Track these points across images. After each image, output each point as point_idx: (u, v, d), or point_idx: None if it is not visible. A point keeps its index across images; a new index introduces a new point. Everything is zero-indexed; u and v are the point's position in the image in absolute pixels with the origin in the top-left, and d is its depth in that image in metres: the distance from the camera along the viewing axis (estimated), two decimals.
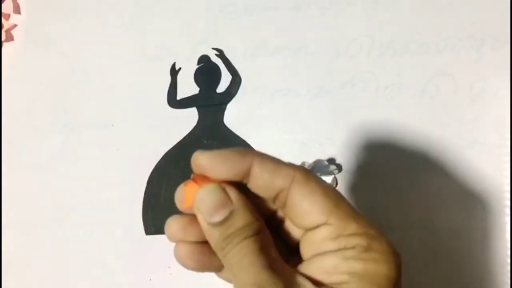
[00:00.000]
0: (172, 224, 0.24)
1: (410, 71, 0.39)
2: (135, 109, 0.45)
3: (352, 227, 0.21)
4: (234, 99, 0.43)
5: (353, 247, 0.21)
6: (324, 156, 0.40)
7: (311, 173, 0.23)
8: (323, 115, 0.41)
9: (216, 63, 0.44)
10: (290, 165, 0.23)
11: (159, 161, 0.44)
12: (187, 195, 0.23)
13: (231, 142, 0.43)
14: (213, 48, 0.44)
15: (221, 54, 0.44)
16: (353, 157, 0.40)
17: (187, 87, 0.44)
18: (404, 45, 0.40)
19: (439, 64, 0.39)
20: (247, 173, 0.22)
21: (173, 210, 0.43)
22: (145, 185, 0.44)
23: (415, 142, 0.39)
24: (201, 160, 0.23)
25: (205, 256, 0.24)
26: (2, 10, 0.48)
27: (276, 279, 0.21)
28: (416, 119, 0.39)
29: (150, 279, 0.42)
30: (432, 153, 0.38)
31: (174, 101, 0.44)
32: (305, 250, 0.23)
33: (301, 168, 0.23)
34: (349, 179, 0.40)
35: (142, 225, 0.43)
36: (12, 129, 0.47)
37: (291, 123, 0.41)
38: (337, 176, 0.39)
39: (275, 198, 0.23)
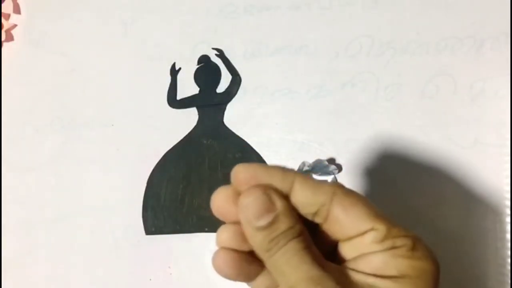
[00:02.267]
0: (223, 232, 0.25)
1: (410, 71, 0.39)
2: (135, 109, 0.45)
3: (395, 230, 0.23)
4: (234, 99, 0.43)
5: (400, 247, 0.23)
6: (324, 156, 0.40)
7: (348, 188, 0.24)
8: (323, 115, 0.41)
9: (216, 63, 0.44)
10: (329, 183, 0.24)
11: (159, 161, 0.44)
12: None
13: (231, 142, 0.43)
14: (213, 48, 0.44)
15: (221, 54, 0.44)
16: (353, 157, 0.40)
17: (187, 87, 0.44)
18: (404, 45, 0.40)
19: (439, 64, 0.39)
20: (289, 190, 0.24)
21: (173, 210, 0.43)
22: (145, 185, 0.44)
23: (415, 142, 0.39)
24: (245, 173, 0.24)
25: (243, 264, 0.25)
26: (2, 10, 0.48)
27: (327, 273, 0.22)
28: (416, 119, 0.39)
29: (150, 279, 0.42)
30: (432, 153, 0.38)
31: (174, 101, 0.44)
32: (348, 253, 0.24)
33: (340, 184, 0.24)
34: (349, 179, 0.40)
35: (142, 225, 0.43)
36: (12, 129, 0.47)
37: (291, 123, 0.41)
38: (337, 176, 0.39)
39: (315, 214, 0.24)
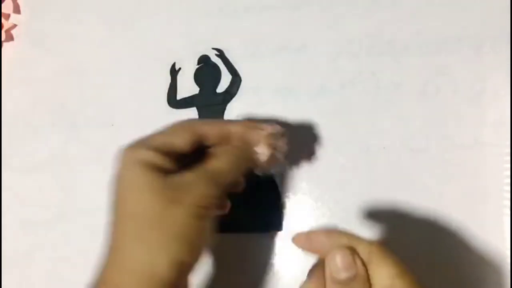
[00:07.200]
0: None
1: (410, 71, 0.39)
2: (135, 109, 0.45)
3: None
4: (234, 99, 0.43)
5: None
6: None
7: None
8: (323, 115, 0.41)
9: (216, 63, 0.44)
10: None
11: None
12: None
13: None
14: (213, 48, 0.44)
15: (221, 54, 0.44)
16: (353, 157, 0.40)
17: (187, 87, 0.44)
18: (404, 45, 0.40)
19: (439, 64, 0.39)
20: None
21: None
22: None
23: (415, 142, 0.39)
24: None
25: None
26: (2, 10, 0.48)
27: None
28: (416, 119, 0.39)
29: None
30: (432, 153, 0.38)
31: (174, 101, 0.44)
32: None
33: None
34: (349, 179, 0.39)
35: None
36: (12, 129, 0.47)
37: (291, 123, 0.41)
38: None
39: None
